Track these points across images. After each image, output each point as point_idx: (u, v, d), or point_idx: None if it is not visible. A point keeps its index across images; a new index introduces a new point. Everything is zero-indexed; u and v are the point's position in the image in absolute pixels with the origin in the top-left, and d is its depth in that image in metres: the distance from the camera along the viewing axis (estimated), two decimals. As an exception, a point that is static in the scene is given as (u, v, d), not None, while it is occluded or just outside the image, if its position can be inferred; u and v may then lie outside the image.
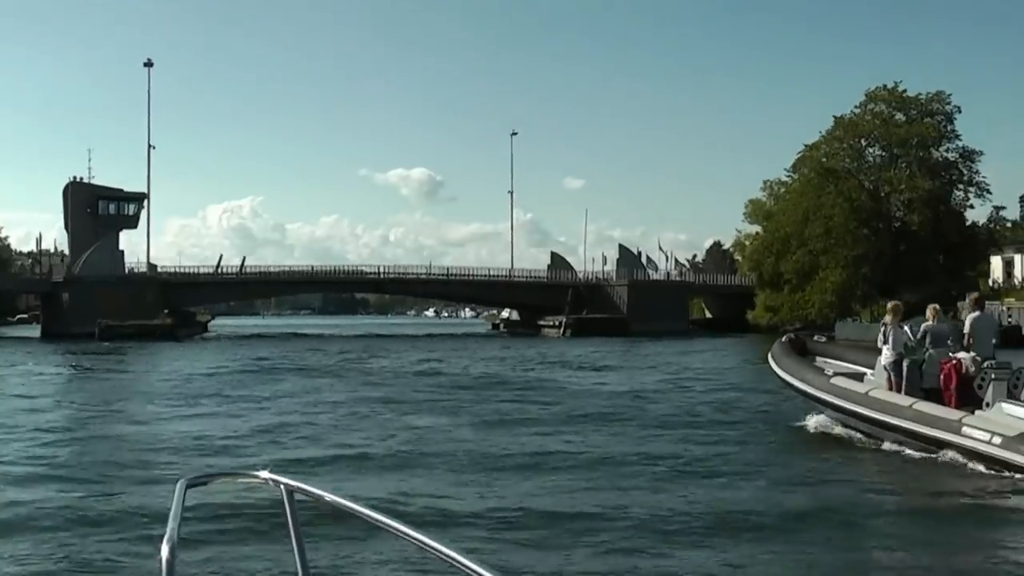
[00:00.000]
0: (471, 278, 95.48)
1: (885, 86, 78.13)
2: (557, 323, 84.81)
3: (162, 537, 2.34)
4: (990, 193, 77.81)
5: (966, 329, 15.15)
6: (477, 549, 8.68)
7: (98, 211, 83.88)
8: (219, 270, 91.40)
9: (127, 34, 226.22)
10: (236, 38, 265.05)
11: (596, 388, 29.21)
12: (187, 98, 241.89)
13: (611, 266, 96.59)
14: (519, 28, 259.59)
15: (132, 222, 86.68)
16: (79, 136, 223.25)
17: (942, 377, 14.84)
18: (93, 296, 74.61)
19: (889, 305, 16.59)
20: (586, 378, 34.03)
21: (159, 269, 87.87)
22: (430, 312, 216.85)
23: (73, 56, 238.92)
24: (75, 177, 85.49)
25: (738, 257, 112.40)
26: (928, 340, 15.38)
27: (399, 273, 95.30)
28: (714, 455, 15.42)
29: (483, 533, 10.22)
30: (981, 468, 13.18)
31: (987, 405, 13.96)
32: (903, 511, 11.78)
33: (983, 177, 77.88)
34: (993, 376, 14.16)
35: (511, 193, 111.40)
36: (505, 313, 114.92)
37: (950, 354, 14.91)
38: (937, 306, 16.23)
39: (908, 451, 14.74)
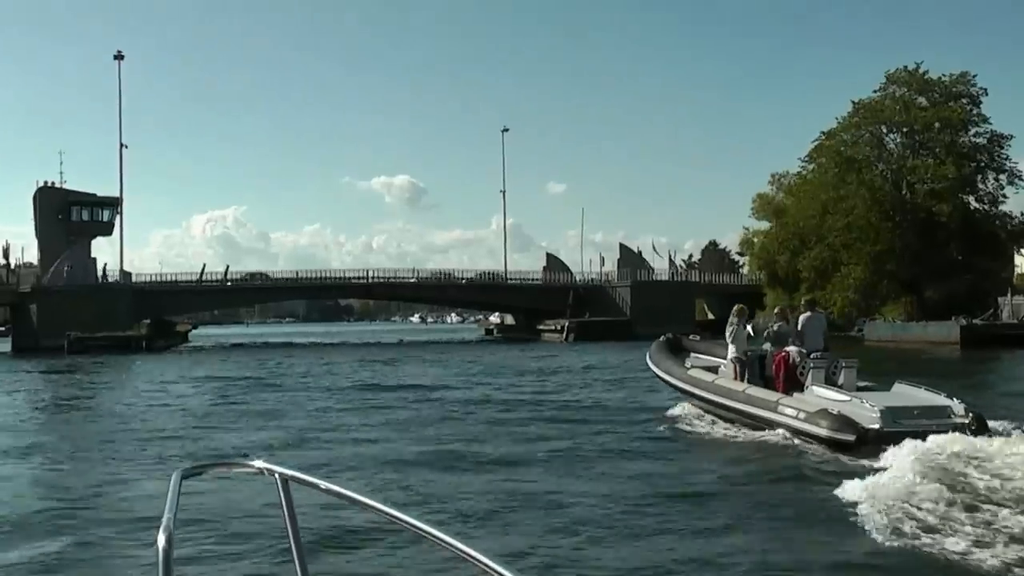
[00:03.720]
0: (464, 281, 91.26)
1: (906, 67, 73.29)
2: (559, 327, 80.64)
3: (158, 527, 2.32)
4: (1022, 180, 72.95)
5: (799, 327, 17.75)
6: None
7: (70, 217, 79.90)
8: (202, 279, 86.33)
9: (100, 35, 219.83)
10: (216, 44, 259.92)
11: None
12: (166, 107, 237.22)
13: (608, 267, 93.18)
14: (501, 36, 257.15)
15: (106, 228, 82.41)
16: (51, 141, 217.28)
17: (774, 367, 17.49)
18: (63, 307, 70.04)
19: (735, 308, 18.88)
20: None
21: (134, 278, 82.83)
22: (415, 318, 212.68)
23: (43, 56, 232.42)
24: (45, 182, 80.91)
25: (736, 256, 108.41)
26: (770, 337, 18.09)
27: (388, 277, 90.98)
28: (571, 444, 16.97)
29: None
30: (791, 439, 15.73)
31: (807, 389, 16.57)
32: (714, 480, 13.45)
33: (1015, 163, 73.21)
34: (812, 365, 16.78)
35: (503, 192, 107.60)
36: (495, 318, 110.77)
37: (785, 348, 17.44)
38: (781, 307, 19.76)
39: (741, 428, 17.33)
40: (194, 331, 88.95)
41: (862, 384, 16.68)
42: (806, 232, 74.57)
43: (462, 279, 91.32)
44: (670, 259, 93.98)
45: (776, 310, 18.92)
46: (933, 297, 70.81)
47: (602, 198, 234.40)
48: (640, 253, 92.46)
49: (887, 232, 70.85)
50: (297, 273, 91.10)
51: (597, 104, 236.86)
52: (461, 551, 2.28)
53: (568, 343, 73.38)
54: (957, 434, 13.84)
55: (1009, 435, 14.42)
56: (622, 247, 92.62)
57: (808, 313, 18.04)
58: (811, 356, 16.92)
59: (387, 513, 2.53)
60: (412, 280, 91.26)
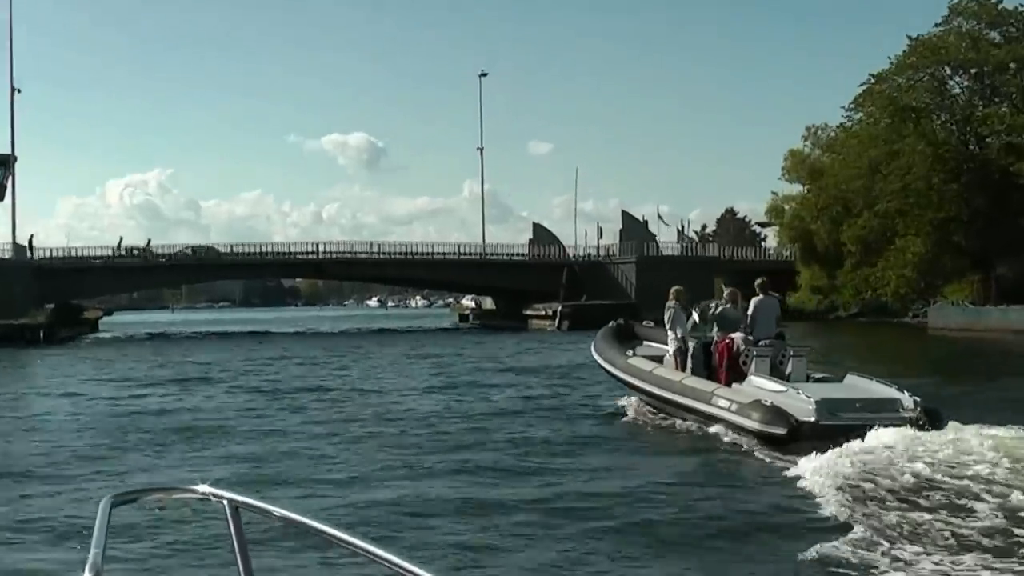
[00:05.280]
0: (434, 257, 79.33)
1: (973, -6, 63.54)
2: (550, 312, 69.51)
3: (84, 562, 2.19)
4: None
5: (749, 312, 16.58)
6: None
7: (-49, 179, 68.75)
8: (117, 254, 74.14)
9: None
10: None
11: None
12: (76, 49, 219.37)
13: (607, 240, 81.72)
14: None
15: (-3, 192, 69.23)
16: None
17: (716, 355, 16.55)
18: (-58, 289, 58.80)
19: (672, 291, 17.91)
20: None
21: (32, 252, 70.19)
22: (372, 302, 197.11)
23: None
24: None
25: (758, 227, 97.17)
26: (716, 320, 16.87)
27: (343, 253, 78.51)
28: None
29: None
30: (726, 435, 14.89)
31: (747, 379, 15.78)
32: (637, 477, 12.54)
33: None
34: (756, 353, 15.92)
35: (480, 150, 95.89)
36: (468, 301, 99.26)
37: (731, 335, 16.43)
38: (731, 289, 17.86)
39: (675, 420, 16.65)
40: (107, 318, 78.15)
41: (818, 376, 16.03)
42: (851, 196, 65.39)
43: (431, 255, 79.25)
44: (680, 230, 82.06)
45: (726, 291, 17.62)
46: (1007, 275, 61.57)
47: (593, 159, 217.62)
48: (646, 223, 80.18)
49: (952, 196, 61.39)
50: (233, 247, 78.55)
51: (587, 49, 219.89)
52: None
53: (562, 331, 62.62)
54: (902, 429, 13.05)
55: (960, 429, 13.31)
56: (625, 215, 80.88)
57: (760, 296, 16.89)
58: (759, 344, 16.06)
59: (346, 542, 2.43)
60: (373, 257, 78.77)
